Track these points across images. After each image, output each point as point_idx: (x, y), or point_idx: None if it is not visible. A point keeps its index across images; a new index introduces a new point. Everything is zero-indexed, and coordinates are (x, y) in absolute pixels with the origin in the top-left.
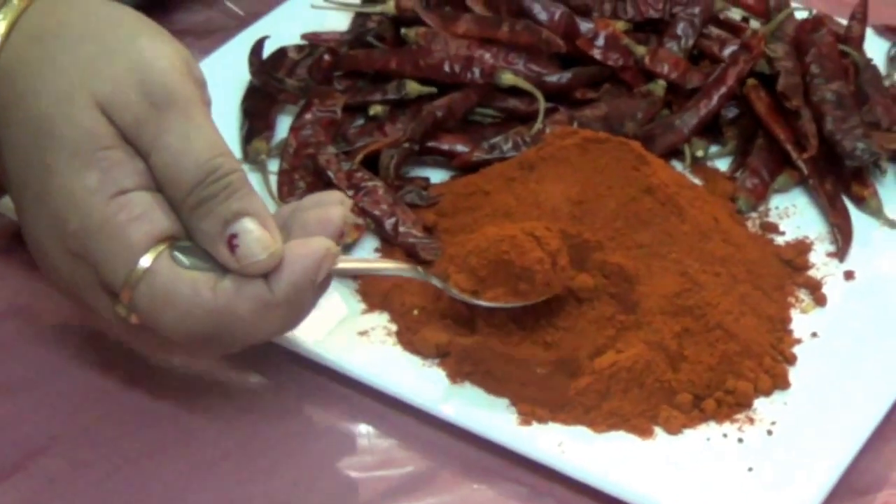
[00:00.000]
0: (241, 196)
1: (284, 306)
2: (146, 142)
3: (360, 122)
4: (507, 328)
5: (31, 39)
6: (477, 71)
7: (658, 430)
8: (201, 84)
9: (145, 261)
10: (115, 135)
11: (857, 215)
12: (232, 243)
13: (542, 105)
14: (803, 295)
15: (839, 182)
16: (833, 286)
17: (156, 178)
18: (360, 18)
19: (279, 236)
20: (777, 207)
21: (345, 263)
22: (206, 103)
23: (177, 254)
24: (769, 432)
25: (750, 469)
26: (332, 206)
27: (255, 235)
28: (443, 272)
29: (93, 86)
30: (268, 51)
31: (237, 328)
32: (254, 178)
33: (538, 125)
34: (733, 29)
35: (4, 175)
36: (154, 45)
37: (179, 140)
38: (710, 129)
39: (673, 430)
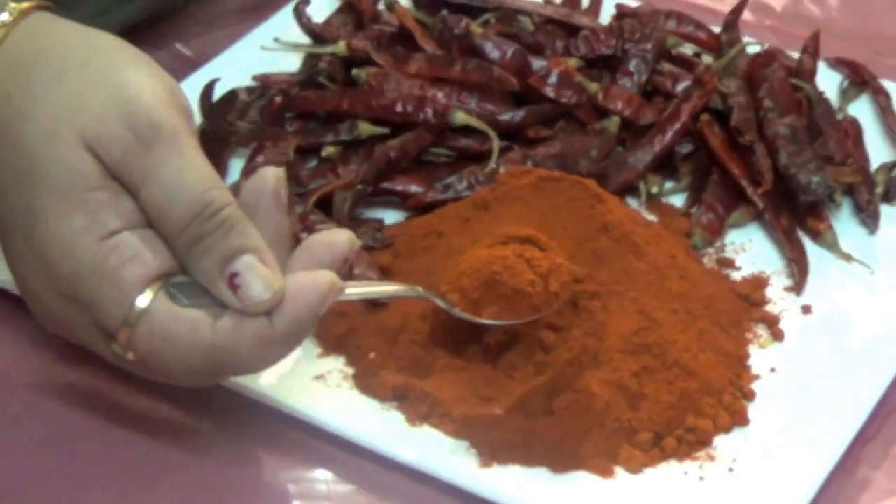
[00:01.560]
0: (239, 231)
1: (286, 340)
2: (135, 178)
3: (313, 163)
4: (463, 370)
5: (11, 71)
6: (430, 111)
7: (619, 470)
8: (187, 113)
9: (142, 301)
10: (101, 173)
11: (813, 249)
12: (233, 283)
13: (496, 144)
14: (761, 330)
15: (795, 216)
16: (790, 321)
17: (147, 214)
18: (311, 59)
19: (279, 272)
20: (733, 243)
21: (346, 290)
22: (194, 133)
23: (173, 292)
24: (730, 469)
25: None
26: (341, 231)
27: (257, 272)
28: (436, 294)
29: (77, 121)
30: (218, 93)
31: (237, 363)
32: None
33: (492, 164)
34: (686, 64)
35: None
36: (138, 77)
37: (170, 175)
38: (665, 166)
39: (634, 469)
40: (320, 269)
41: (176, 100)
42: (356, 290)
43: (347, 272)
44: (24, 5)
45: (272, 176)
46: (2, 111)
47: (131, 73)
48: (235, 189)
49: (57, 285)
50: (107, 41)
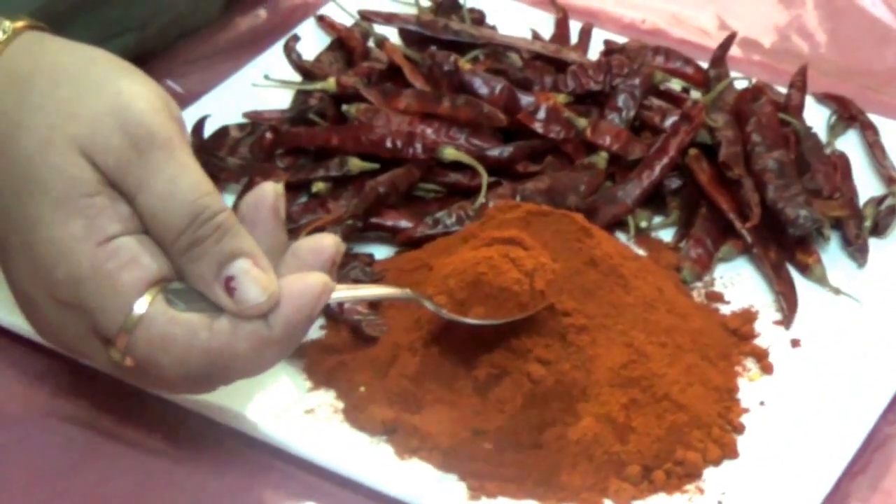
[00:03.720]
0: (233, 235)
1: (283, 342)
2: (131, 185)
3: (303, 199)
4: (453, 403)
5: (6, 85)
6: (419, 146)
7: (608, 503)
8: (181, 123)
9: (140, 306)
10: (98, 180)
11: (801, 283)
12: (229, 286)
13: (485, 179)
14: (750, 364)
15: (783, 250)
16: (779, 354)
17: (143, 220)
18: (301, 96)
19: (274, 274)
20: (722, 277)
21: (337, 292)
22: (187, 142)
23: (171, 297)
24: (719, 502)
25: None
26: (326, 236)
27: (252, 276)
28: (424, 295)
29: (72, 129)
30: (209, 129)
31: (234, 366)
32: None
33: (481, 199)
34: (674, 99)
35: None
36: (132, 86)
37: (165, 182)
38: (654, 200)
39: (623, 502)
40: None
41: (169, 109)
42: (347, 293)
43: (338, 305)
44: (19, 24)
45: (271, 190)
46: None
47: (125, 83)
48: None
49: (55, 291)
50: (99, 54)
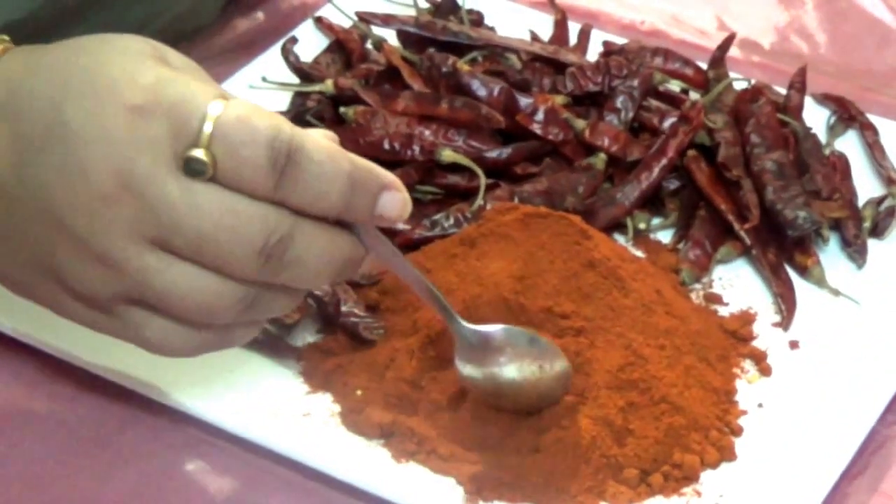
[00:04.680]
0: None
1: (354, 168)
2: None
3: None
4: (450, 407)
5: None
6: (417, 148)
7: None
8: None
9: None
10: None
11: (800, 284)
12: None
13: (483, 181)
14: (748, 366)
15: (782, 252)
16: (778, 356)
17: None
18: (299, 98)
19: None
20: (720, 278)
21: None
22: None
23: None
24: None
25: None
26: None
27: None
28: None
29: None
30: None
31: (310, 167)
32: None
33: (479, 201)
34: (673, 101)
35: None
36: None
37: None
38: (652, 202)
39: None
40: None
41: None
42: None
43: (335, 307)
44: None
45: None
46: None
47: (128, 47)
48: None
49: (132, 100)
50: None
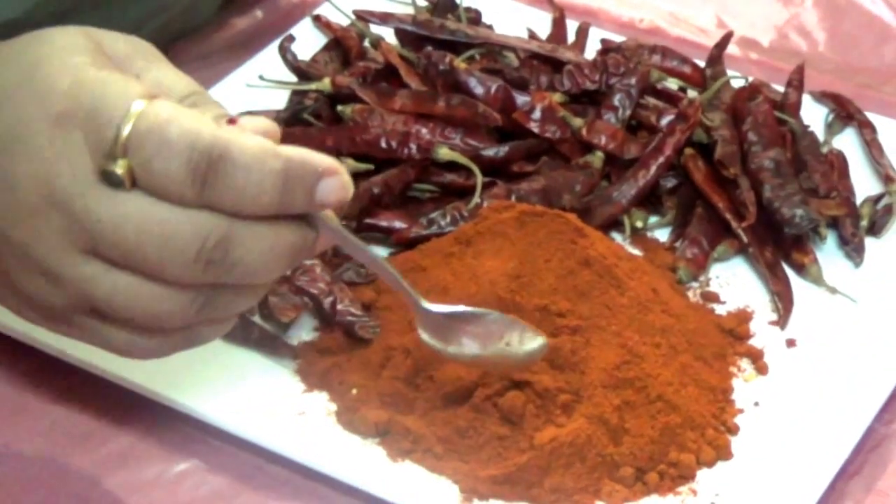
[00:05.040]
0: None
1: (285, 165)
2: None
3: None
4: (446, 405)
5: None
6: (414, 146)
7: None
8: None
9: (140, 104)
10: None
11: (797, 282)
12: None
13: (480, 179)
14: (745, 364)
15: (779, 250)
16: (775, 354)
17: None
18: (296, 96)
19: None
20: (718, 276)
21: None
22: None
23: None
24: None
25: None
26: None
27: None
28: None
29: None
30: None
31: (236, 173)
32: None
33: (476, 199)
34: (670, 98)
35: None
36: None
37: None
38: (649, 200)
39: None
40: None
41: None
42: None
43: (331, 306)
44: None
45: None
46: None
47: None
48: None
49: (52, 108)
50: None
